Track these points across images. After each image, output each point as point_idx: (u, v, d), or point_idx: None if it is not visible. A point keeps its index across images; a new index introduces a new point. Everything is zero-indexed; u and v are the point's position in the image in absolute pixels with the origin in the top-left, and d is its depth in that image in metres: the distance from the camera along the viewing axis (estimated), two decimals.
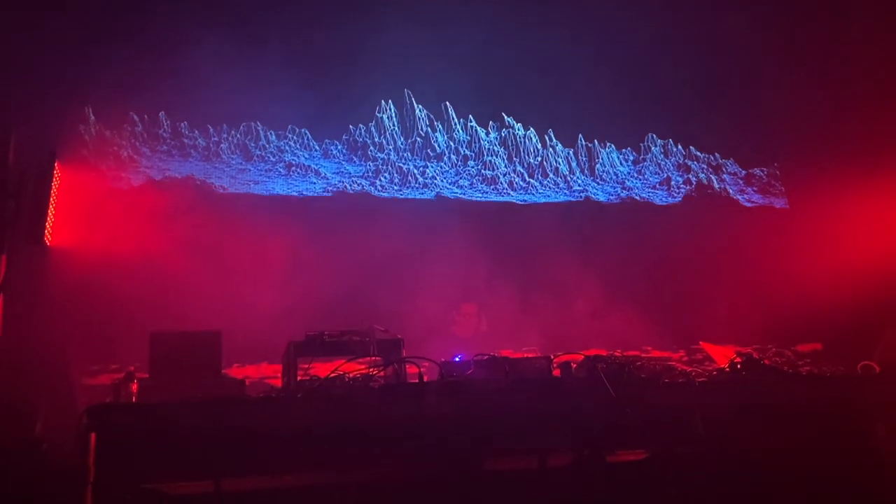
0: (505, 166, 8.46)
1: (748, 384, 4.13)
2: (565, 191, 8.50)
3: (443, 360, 4.01)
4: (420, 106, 8.33)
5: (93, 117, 7.12)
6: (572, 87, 8.26)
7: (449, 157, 8.34)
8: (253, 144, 7.76)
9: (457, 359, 4.14)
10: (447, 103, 8.41)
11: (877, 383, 4.30)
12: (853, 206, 7.71)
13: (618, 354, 4.11)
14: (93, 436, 3.20)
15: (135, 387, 3.58)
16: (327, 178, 7.86)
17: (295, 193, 7.71)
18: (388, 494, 3.64)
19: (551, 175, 8.53)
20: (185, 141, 7.54)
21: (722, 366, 4.44)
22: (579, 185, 8.56)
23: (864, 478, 4.04)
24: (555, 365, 3.99)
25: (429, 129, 8.35)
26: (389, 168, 8.09)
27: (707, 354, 5.66)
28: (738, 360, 4.26)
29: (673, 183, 8.81)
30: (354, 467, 3.58)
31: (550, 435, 3.78)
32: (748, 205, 8.90)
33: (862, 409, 4.15)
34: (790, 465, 3.99)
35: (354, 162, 8.05)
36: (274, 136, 7.83)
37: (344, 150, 8.06)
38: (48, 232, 5.19)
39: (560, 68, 8.29)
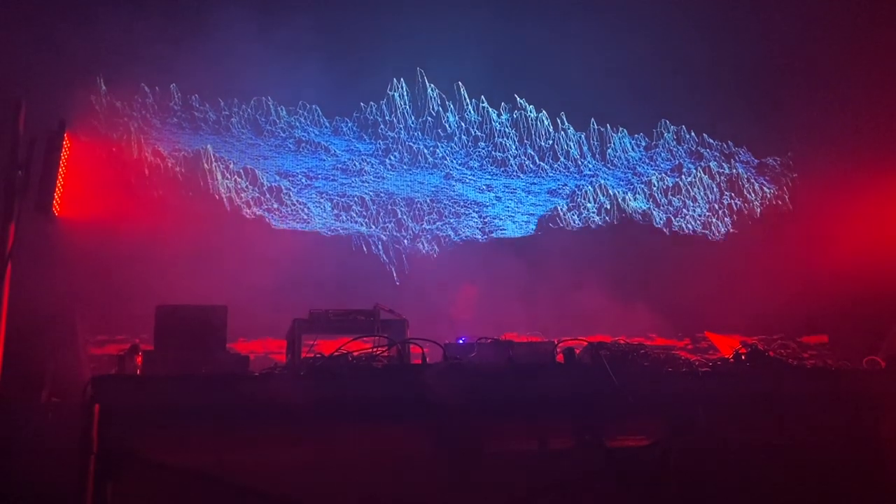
0: (516, 148, 8.40)
1: (752, 375, 4.11)
2: (576, 175, 8.44)
3: (446, 342, 4.01)
4: (432, 85, 8.27)
5: (104, 87, 7.11)
6: (586, 70, 8.16)
7: (459, 138, 8.29)
8: (263, 119, 7.74)
9: (460, 341, 4.13)
10: (459, 83, 8.35)
11: (882, 378, 4.28)
12: (864, 200, 7.63)
13: (622, 342, 4.08)
14: (97, 406, 3.22)
15: (139, 359, 3.60)
16: (337, 156, 7.84)
17: (304, 170, 7.69)
18: (389, 473, 3.65)
19: (562, 159, 8.47)
20: (196, 114, 7.53)
21: (726, 356, 4.42)
22: (590, 170, 8.50)
23: (867, 471, 4.03)
24: (558, 350, 3.98)
25: (440, 109, 8.29)
26: (399, 147, 8.05)
27: (712, 344, 5.66)
28: (743, 350, 4.22)
29: (684, 169, 8.74)
30: (355, 444, 3.59)
31: (552, 418, 3.79)
32: (757, 196, 8.83)
33: (866, 403, 4.13)
34: (792, 457, 3.98)
35: (364, 140, 8.02)
36: (285, 112, 7.80)
37: (354, 128, 8.03)
38: (57, 202, 5.18)
39: (574, 51, 8.19)
